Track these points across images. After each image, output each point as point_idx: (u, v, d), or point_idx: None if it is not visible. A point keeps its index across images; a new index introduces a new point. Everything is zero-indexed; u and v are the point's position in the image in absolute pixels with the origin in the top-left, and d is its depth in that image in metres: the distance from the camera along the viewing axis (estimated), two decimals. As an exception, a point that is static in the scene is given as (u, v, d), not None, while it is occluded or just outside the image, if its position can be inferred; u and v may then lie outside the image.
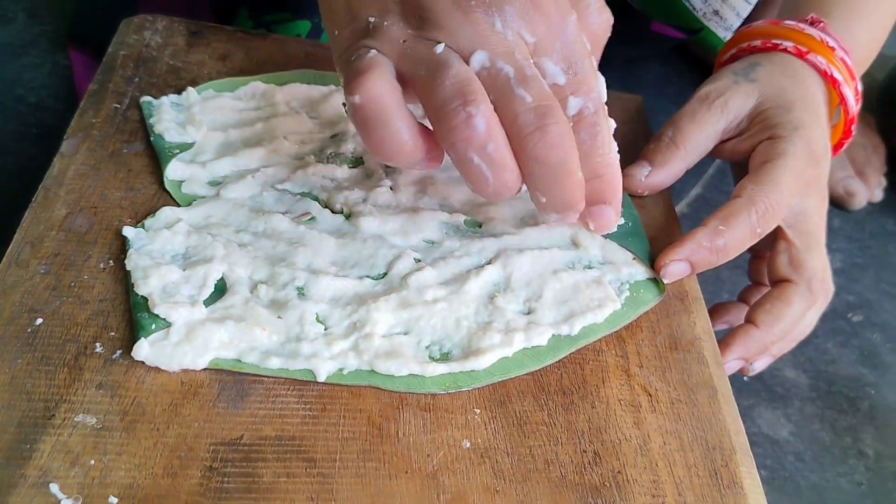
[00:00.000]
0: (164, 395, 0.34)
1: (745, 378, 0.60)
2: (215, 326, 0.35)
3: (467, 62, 0.34)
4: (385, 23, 0.35)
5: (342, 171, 0.45)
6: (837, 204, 0.79)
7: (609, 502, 0.34)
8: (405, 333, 0.38)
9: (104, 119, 0.45)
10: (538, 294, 0.40)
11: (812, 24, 0.48)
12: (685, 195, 0.71)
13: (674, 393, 0.39)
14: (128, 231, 0.39)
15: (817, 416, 0.58)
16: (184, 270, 0.38)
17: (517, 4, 0.34)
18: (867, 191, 0.80)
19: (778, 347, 0.47)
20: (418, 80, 0.34)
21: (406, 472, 0.33)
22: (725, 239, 0.42)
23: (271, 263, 0.39)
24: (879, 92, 0.84)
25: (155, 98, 0.47)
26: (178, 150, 0.44)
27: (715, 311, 0.50)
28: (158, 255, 0.39)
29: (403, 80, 0.35)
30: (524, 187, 0.36)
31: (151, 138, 0.44)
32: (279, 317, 0.37)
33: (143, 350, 0.34)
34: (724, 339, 0.44)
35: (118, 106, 0.46)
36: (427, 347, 0.38)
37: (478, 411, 0.36)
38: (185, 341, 0.35)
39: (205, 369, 0.35)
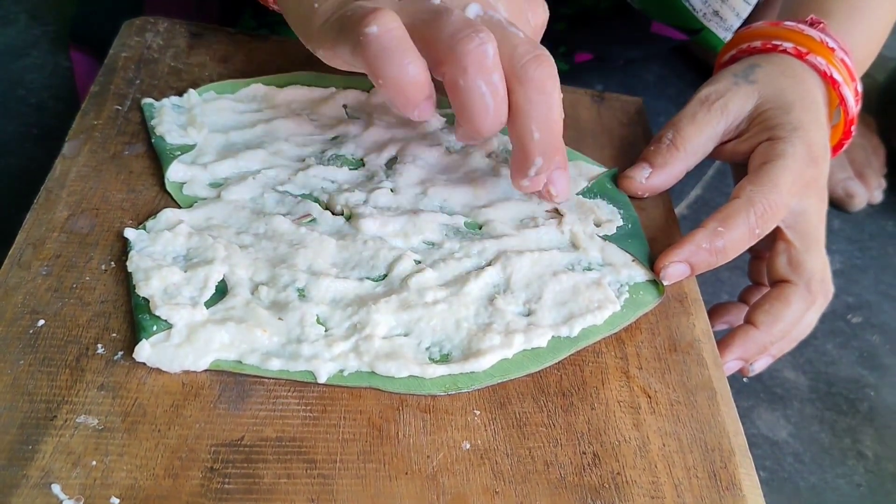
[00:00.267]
0: (165, 397, 0.34)
1: (744, 379, 0.60)
2: (216, 328, 0.36)
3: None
4: None
5: (343, 173, 0.45)
6: (837, 205, 0.79)
7: (608, 503, 0.34)
8: (405, 335, 0.38)
9: (105, 121, 0.45)
10: (538, 296, 0.41)
11: (812, 24, 0.48)
12: (685, 197, 0.71)
13: (673, 394, 0.39)
14: (129, 233, 0.39)
15: (816, 418, 0.58)
16: (185, 272, 0.38)
17: None
18: (867, 192, 0.80)
19: (777, 348, 0.47)
20: (421, 27, 0.36)
21: (406, 474, 0.33)
22: (724, 240, 0.42)
23: (272, 265, 0.39)
24: (879, 93, 0.84)
25: (156, 100, 0.47)
26: (179, 152, 0.44)
27: (715, 312, 0.51)
28: (160, 257, 0.39)
29: None
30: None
31: (153, 140, 0.44)
32: (280, 318, 0.37)
33: (145, 351, 0.34)
34: (724, 340, 0.45)
35: (119, 108, 0.46)
36: (427, 349, 0.38)
37: (478, 413, 0.36)
38: (186, 343, 0.35)
39: (206, 370, 0.35)
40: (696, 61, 0.87)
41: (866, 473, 0.55)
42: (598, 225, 0.45)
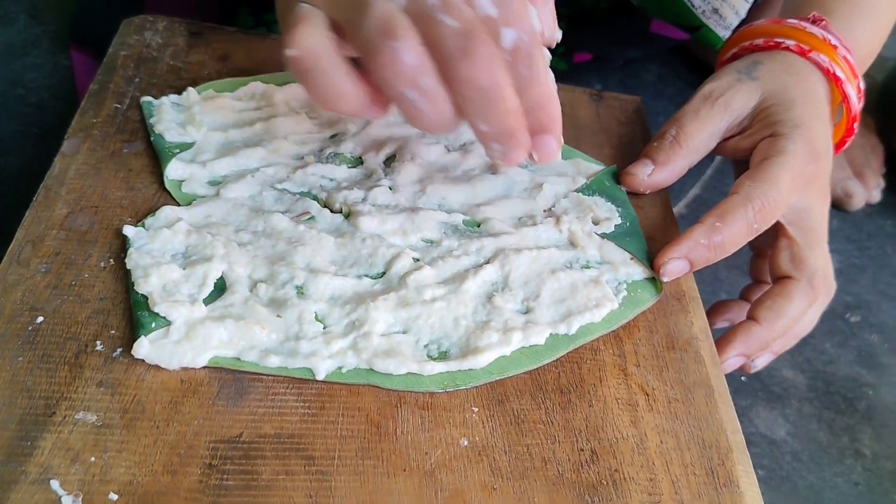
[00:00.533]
0: (163, 393, 0.34)
1: (742, 378, 0.60)
2: (215, 325, 0.36)
3: None
4: None
5: (341, 171, 0.45)
6: (836, 205, 0.80)
7: (606, 500, 0.34)
8: (404, 332, 0.38)
9: (105, 119, 0.45)
10: (536, 293, 0.41)
11: (814, 22, 0.48)
12: (683, 196, 0.72)
13: (671, 392, 0.39)
14: (128, 230, 0.39)
15: (815, 416, 0.58)
16: (184, 269, 0.38)
17: None
18: (865, 192, 0.80)
19: (779, 344, 0.47)
20: (347, 25, 0.34)
21: (404, 470, 0.33)
22: (722, 235, 0.42)
23: (271, 262, 0.39)
24: (878, 93, 0.85)
25: (155, 98, 0.47)
26: (178, 150, 0.44)
27: (716, 309, 0.51)
28: (158, 254, 0.39)
29: (338, 28, 0.35)
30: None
31: (152, 138, 0.45)
32: (278, 315, 0.37)
33: (144, 348, 0.35)
34: (725, 336, 0.44)
35: (119, 106, 0.46)
36: (425, 346, 0.38)
37: (476, 410, 0.36)
38: (184, 339, 0.35)
39: (204, 367, 0.35)
40: (695, 61, 0.87)
41: (864, 472, 0.55)
42: (596, 223, 0.45)
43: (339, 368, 0.36)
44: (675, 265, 0.42)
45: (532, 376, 0.38)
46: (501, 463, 0.34)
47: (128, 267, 0.38)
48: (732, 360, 0.44)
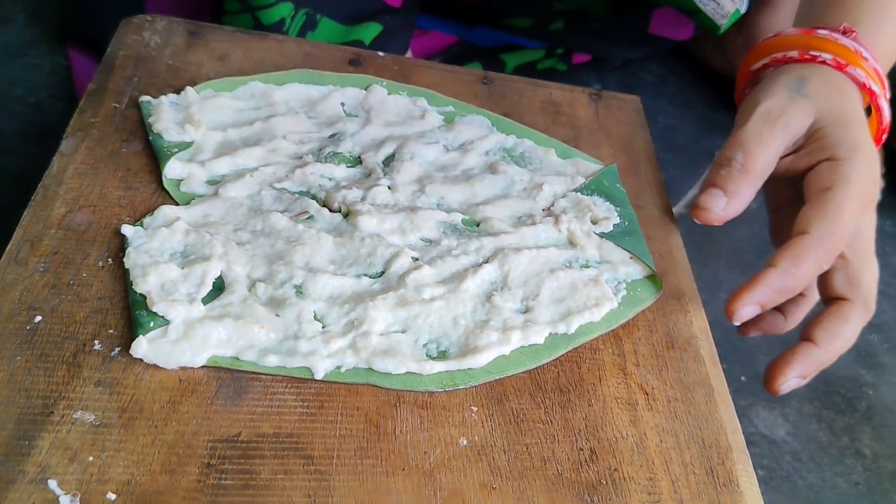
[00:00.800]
0: (162, 393, 0.34)
1: (742, 378, 0.60)
2: (213, 324, 0.36)
3: None
4: None
5: (340, 171, 0.45)
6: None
7: (605, 500, 0.34)
8: (403, 332, 0.38)
9: (103, 118, 0.45)
10: (535, 293, 0.41)
11: (844, 33, 0.47)
12: (682, 196, 0.72)
13: (670, 391, 0.39)
14: (126, 229, 0.39)
15: (815, 416, 0.58)
16: (182, 268, 0.38)
17: None
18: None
19: None
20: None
21: (403, 470, 0.33)
22: (795, 279, 0.41)
23: (269, 262, 0.39)
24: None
25: (154, 97, 0.47)
26: (176, 150, 0.44)
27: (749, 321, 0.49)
28: (157, 254, 0.39)
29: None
30: None
31: (150, 137, 0.44)
32: (277, 315, 0.37)
33: (142, 347, 0.34)
34: (784, 357, 0.43)
35: (117, 105, 0.46)
36: (424, 346, 0.38)
37: (475, 409, 0.36)
38: (183, 339, 0.35)
39: (203, 367, 0.35)
40: (694, 61, 0.87)
41: (864, 472, 0.55)
42: (595, 222, 0.45)
43: (338, 368, 0.36)
44: (748, 311, 0.41)
45: (531, 376, 0.38)
46: (500, 462, 0.34)
47: (126, 266, 0.38)
48: (791, 382, 0.43)
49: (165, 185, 0.42)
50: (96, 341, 0.35)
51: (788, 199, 0.47)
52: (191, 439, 0.33)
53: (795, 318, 0.47)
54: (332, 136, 0.48)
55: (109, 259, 0.38)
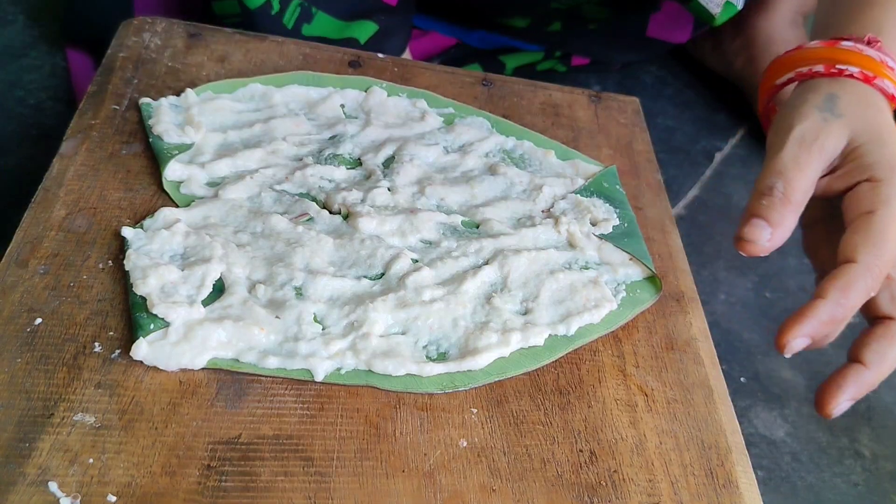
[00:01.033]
0: (162, 395, 0.34)
1: (741, 379, 0.60)
2: (213, 326, 0.36)
3: None
4: None
5: (340, 172, 0.45)
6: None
7: (605, 501, 0.34)
8: (402, 333, 0.38)
9: (103, 120, 0.45)
10: (535, 294, 0.41)
11: (869, 43, 0.46)
12: (682, 197, 0.72)
13: (670, 393, 0.39)
14: (126, 231, 0.39)
15: (814, 417, 0.58)
16: (182, 270, 0.38)
17: None
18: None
19: None
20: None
21: (403, 471, 0.33)
22: (845, 310, 0.41)
23: (269, 263, 0.39)
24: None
25: (154, 99, 0.47)
26: (176, 151, 0.44)
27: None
28: (157, 256, 0.39)
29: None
30: None
31: (150, 139, 0.44)
32: (277, 317, 0.37)
33: (142, 349, 0.34)
34: (834, 381, 0.42)
35: (117, 107, 0.46)
36: (424, 347, 0.38)
37: (475, 411, 0.36)
38: (183, 341, 0.35)
39: (203, 369, 0.35)
40: (693, 63, 0.87)
41: (864, 472, 0.55)
42: (594, 224, 0.45)
43: (338, 369, 0.36)
44: (800, 343, 0.41)
45: (531, 377, 0.38)
46: (500, 464, 0.34)
47: (126, 268, 0.38)
48: (843, 405, 0.43)
49: (165, 186, 0.42)
50: (96, 343, 0.35)
51: (823, 215, 0.46)
52: (191, 441, 0.33)
53: (838, 329, 0.46)
54: (331, 137, 0.48)
55: (110, 261, 0.39)
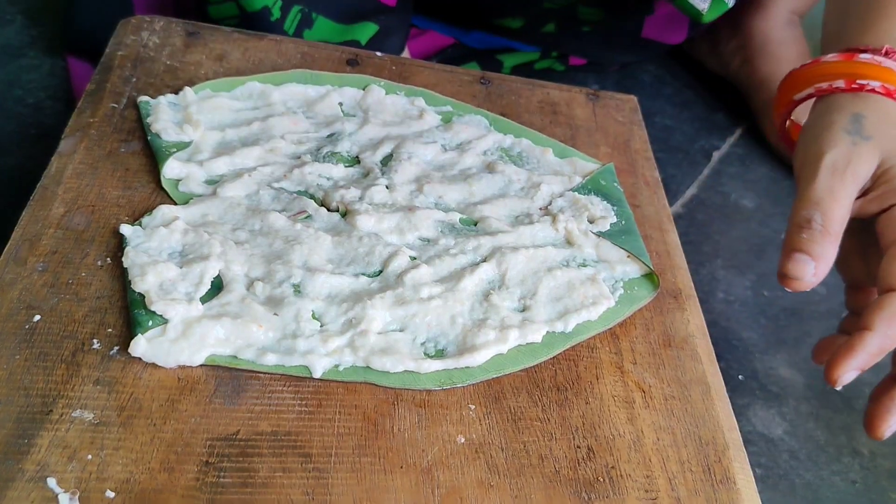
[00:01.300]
0: (160, 391, 0.34)
1: (739, 377, 0.60)
2: (212, 323, 0.36)
3: None
4: None
5: (338, 170, 0.45)
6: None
7: (602, 497, 0.34)
8: (401, 330, 0.38)
9: (102, 119, 0.45)
10: (533, 291, 0.41)
11: (887, 55, 0.46)
12: (680, 195, 0.72)
13: (667, 389, 0.39)
14: (125, 229, 0.39)
15: (812, 415, 0.58)
16: (181, 268, 0.38)
17: None
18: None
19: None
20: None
21: (401, 468, 0.33)
22: (892, 340, 0.40)
23: (268, 261, 0.39)
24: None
25: (152, 98, 0.47)
26: (175, 150, 0.44)
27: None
28: (155, 253, 0.39)
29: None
30: None
31: (149, 137, 0.45)
32: (275, 314, 0.37)
33: (141, 346, 0.35)
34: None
35: (116, 106, 0.46)
36: (422, 344, 0.38)
37: (472, 407, 0.36)
38: (181, 338, 0.35)
39: (201, 365, 0.35)
40: (691, 62, 0.87)
41: (861, 470, 0.55)
42: (592, 221, 0.45)
43: (336, 366, 0.36)
44: (849, 377, 0.40)
45: (529, 374, 0.38)
46: (498, 460, 0.34)
47: (125, 265, 0.38)
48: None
49: (164, 184, 0.43)
50: (95, 340, 0.35)
51: (850, 229, 0.45)
52: (189, 438, 0.33)
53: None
54: (329, 135, 0.48)
55: (108, 258, 0.39)
